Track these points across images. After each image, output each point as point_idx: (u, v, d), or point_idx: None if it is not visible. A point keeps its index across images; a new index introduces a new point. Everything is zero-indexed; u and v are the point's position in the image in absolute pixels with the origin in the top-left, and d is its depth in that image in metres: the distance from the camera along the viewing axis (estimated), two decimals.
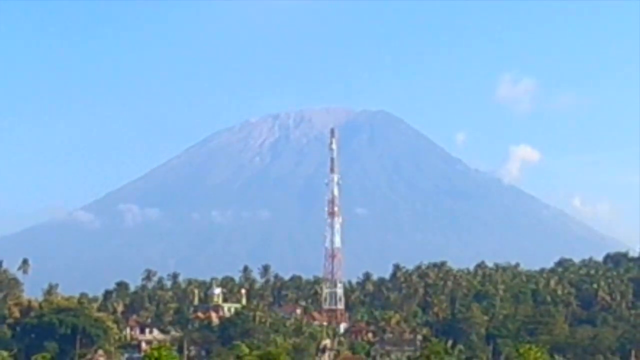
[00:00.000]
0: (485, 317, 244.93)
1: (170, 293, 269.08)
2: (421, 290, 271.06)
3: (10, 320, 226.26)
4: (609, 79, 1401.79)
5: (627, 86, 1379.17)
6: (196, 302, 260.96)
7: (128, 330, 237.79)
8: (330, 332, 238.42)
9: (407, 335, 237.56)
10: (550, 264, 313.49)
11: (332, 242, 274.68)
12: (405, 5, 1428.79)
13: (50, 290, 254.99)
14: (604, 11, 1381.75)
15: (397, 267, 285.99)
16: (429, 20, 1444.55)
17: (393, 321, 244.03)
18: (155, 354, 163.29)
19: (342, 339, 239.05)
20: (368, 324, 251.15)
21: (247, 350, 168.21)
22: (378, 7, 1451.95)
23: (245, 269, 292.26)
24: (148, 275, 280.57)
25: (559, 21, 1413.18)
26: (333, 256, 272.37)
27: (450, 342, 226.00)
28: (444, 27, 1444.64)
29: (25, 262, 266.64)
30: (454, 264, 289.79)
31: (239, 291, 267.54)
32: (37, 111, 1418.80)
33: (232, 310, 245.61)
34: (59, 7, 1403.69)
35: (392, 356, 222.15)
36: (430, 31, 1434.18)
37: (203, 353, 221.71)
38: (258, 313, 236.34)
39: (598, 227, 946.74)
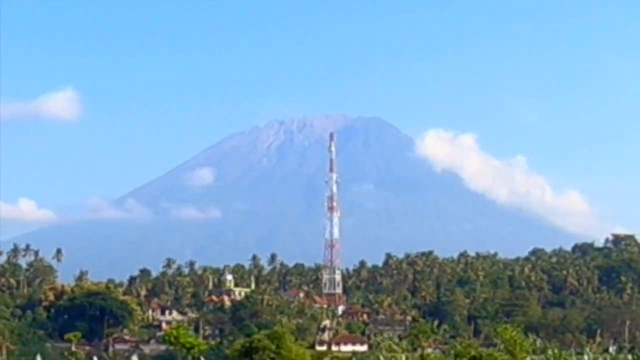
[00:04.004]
0: (467, 300, 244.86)
1: (187, 279, 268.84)
2: (410, 277, 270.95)
3: (45, 303, 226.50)
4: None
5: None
6: (210, 287, 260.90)
7: (150, 312, 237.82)
8: (330, 314, 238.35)
9: (397, 317, 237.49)
10: (524, 253, 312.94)
11: (331, 233, 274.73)
12: (397, 21, 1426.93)
13: (81, 277, 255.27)
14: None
15: (389, 256, 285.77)
16: (420, 34, 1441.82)
17: (385, 304, 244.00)
18: (175, 332, 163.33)
19: (340, 319, 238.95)
20: (363, 306, 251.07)
21: (255, 330, 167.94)
22: (373, 23, 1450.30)
23: (254, 257, 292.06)
24: (168, 263, 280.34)
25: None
26: (332, 246, 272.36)
27: (436, 323, 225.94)
28: (434, 39, 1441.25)
29: (59, 251, 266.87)
30: (439, 253, 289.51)
31: (248, 277, 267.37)
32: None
33: (243, 294, 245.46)
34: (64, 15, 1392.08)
35: (385, 335, 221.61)
36: (421, 44, 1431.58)
37: (217, 332, 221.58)
38: (265, 297, 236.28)
39: (567, 220, 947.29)
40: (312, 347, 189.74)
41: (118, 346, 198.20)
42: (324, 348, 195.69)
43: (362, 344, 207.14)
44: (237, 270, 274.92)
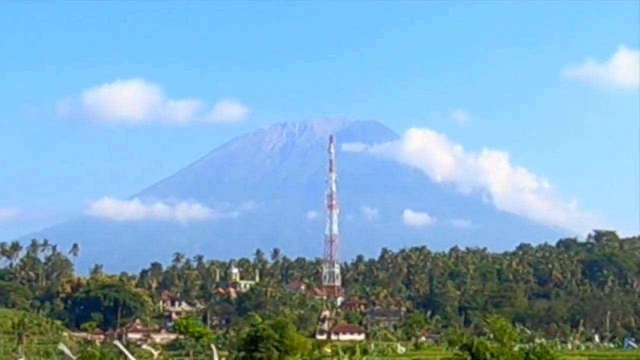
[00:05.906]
0: (458, 292, 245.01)
1: (195, 272, 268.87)
2: (405, 270, 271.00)
3: (62, 295, 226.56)
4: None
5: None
6: (217, 279, 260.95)
7: (161, 303, 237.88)
8: (329, 305, 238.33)
9: (393, 307, 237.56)
10: (512, 248, 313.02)
11: (330, 229, 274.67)
12: (394, 30, 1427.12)
13: (96, 270, 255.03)
14: None
15: (384, 251, 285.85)
16: (416, 41, 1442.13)
17: (381, 296, 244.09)
18: (184, 322, 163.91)
19: (339, 310, 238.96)
20: (360, 298, 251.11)
21: (260, 320, 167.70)
22: (370, 33, 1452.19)
23: (258, 252, 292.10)
24: (177, 257, 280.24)
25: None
26: (331, 241, 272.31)
27: (429, 313, 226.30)
28: (429, 46, 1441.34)
29: (75, 246, 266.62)
30: (432, 248, 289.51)
31: (253, 270, 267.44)
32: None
33: (247, 286, 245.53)
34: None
35: (381, 324, 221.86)
36: (417, 50, 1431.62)
37: (223, 322, 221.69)
38: (269, 289, 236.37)
39: (553, 217, 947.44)
40: (313, 336, 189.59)
41: (131, 335, 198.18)
42: (324, 337, 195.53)
43: (359, 333, 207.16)
44: (243, 264, 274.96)
